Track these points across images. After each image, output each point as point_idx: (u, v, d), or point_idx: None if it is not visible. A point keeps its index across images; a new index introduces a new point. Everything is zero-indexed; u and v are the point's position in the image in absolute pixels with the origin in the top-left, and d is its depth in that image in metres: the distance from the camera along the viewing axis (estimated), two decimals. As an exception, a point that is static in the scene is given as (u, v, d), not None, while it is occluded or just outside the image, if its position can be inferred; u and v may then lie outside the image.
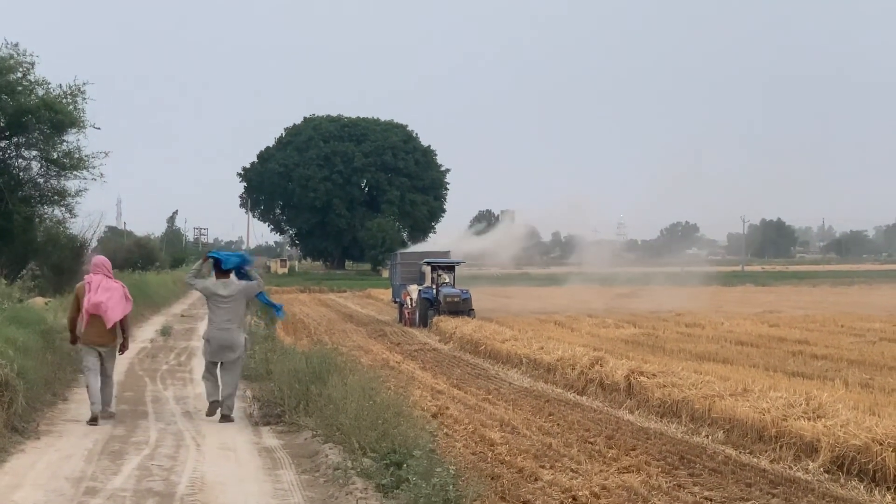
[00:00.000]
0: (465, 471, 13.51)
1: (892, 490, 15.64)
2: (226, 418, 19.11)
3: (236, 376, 19.70)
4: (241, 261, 19.91)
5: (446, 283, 53.31)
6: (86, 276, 19.05)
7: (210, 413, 19.23)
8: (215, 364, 19.43)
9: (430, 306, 51.42)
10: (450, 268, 55.39)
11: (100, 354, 18.73)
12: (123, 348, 19.62)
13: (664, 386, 24.43)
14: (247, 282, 19.70)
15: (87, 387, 18.81)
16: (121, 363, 23.70)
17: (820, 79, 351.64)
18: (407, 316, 53.70)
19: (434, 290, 52.25)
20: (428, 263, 55.83)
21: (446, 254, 61.59)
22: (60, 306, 28.13)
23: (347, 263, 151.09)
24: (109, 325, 18.55)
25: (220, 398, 19.27)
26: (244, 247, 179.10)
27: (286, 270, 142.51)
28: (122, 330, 19.05)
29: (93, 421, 18.32)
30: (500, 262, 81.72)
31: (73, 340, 19.19)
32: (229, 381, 19.43)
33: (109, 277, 18.99)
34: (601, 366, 28.33)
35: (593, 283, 76.91)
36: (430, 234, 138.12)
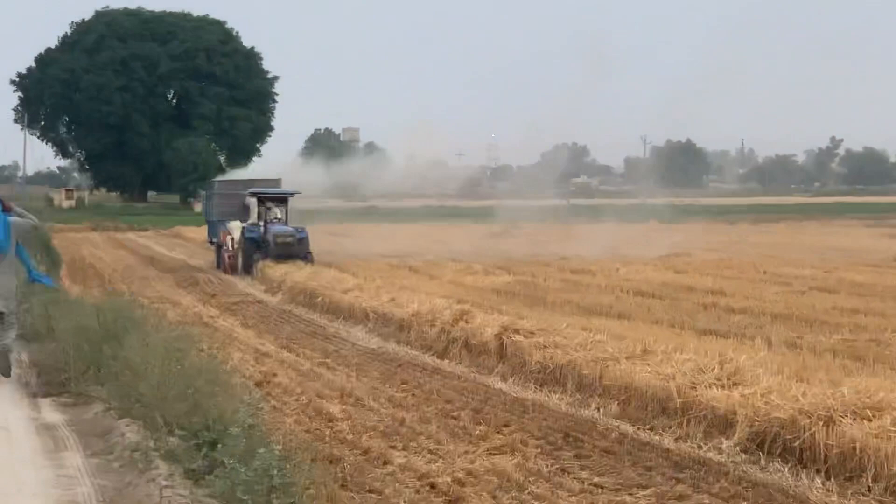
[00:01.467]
0: (296, 452, 13.40)
1: (823, 472, 15.82)
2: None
3: (13, 327, 20.37)
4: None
5: (277, 220, 53.11)
6: None
7: None
8: None
9: (257, 248, 51.09)
10: (281, 200, 54.73)
11: None
12: None
13: (545, 347, 24.53)
14: (15, 218, 20.36)
15: None
16: None
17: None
18: (227, 260, 53.54)
19: (261, 229, 51.94)
20: (254, 194, 54.97)
21: (277, 183, 60.04)
22: None
23: (150, 195, 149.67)
24: None
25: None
26: (20, 174, 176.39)
27: (73, 203, 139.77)
28: None
29: None
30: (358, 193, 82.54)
31: None
32: (4, 334, 19.96)
33: None
34: (467, 322, 28.39)
35: (459, 218, 77.03)
36: (255, 158, 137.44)
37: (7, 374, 19.77)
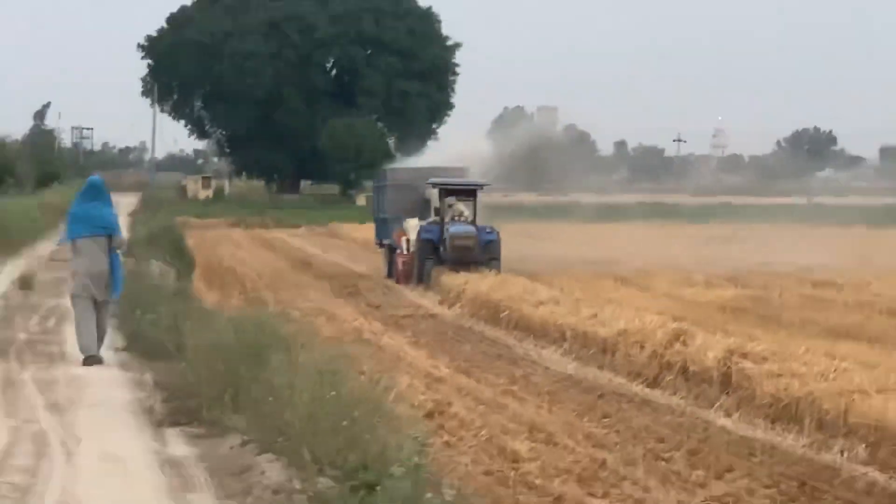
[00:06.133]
0: (473, 498, 13.47)
1: None
2: (97, 362, 23.14)
3: (108, 314, 24.13)
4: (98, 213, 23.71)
5: (463, 218, 52.20)
6: None
7: (84, 356, 23.15)
8: (91, 302, 23.25)
9: (433, 252, 50.58)
10: (469, 193, 53.77)
11: None
12: None
13: (779, 375, 24.29)
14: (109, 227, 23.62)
15: None
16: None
17: None
18: (400, 267, 52.49)
19: (438, 229, 51.23)
20: (435, 185, 53.76)
21: (462, 172, 58.21)
22: None
23: (304, 185, 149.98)
24: None
25: (98, 352, 23.27)
26: (149, 157, 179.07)
27: (210, 194, 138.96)
28: None
29: None
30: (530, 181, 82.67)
31: None
32: (102, 322, 23.64)
33: None
34: (685, 343, 28.25)
35: (676, 219, 76.59)
36: (430, 140, 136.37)
37: (93, 360, 22.97)
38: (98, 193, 24.08)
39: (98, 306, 23.24)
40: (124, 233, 28.83)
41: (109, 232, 23.43)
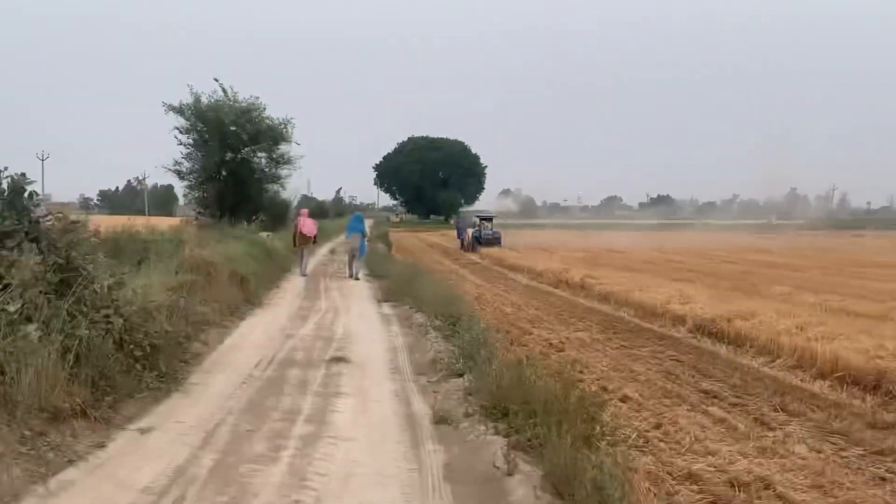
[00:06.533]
0: (490, 328, 13.29)
1: (726, 343, 15.34)
2: (357, 280, 22.57)
3: (361, 262, 23.64)
4: (358, 225, 24.08)
5: (487, 228, 52.96)
6: (298, 217, 24.21)
7: (349, 277, 23.00)
8: (352, 257, 23.39)
9: (478, 241, 50.81)
10: (489, 219, 55.18)
11: (303, 250, 23.65)
12: (314, 242, 25.00)
13: (601, 284, 24.06)
14: (362, 230, 23.93)
15: (298, 262, 23.79)
16: (308, 267, 24.46)
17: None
18: (465, 245, 52.77)
19: (479, 232, 52.11)
20: (478, 216, 55.79)
21: (488, 212, 61.10)
22: (276, 236, 28.20)
23: (432, 217, 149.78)
24: (310, 236, 23.62)
25: (354, 272, 23.03)
26: (375, 207, 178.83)
27: (398, 220, 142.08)
28: (314, 237, 24.22)
29: (302, 276, 22.92)
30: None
31: (294, 245, 23.78)
32: (357, 264, 23.24)
33: (307, 217, 24.02)
34: (567, 273, 27.98)
35: (564, 229, 75.94)
36: (476, 201, 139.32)
37: (356, 279, 22.62)
38: (358, 219, 24.41)
39: (355, 259, 23.28)
40: (369, 234, 29.30)
41: (361, 232, 23.70)
